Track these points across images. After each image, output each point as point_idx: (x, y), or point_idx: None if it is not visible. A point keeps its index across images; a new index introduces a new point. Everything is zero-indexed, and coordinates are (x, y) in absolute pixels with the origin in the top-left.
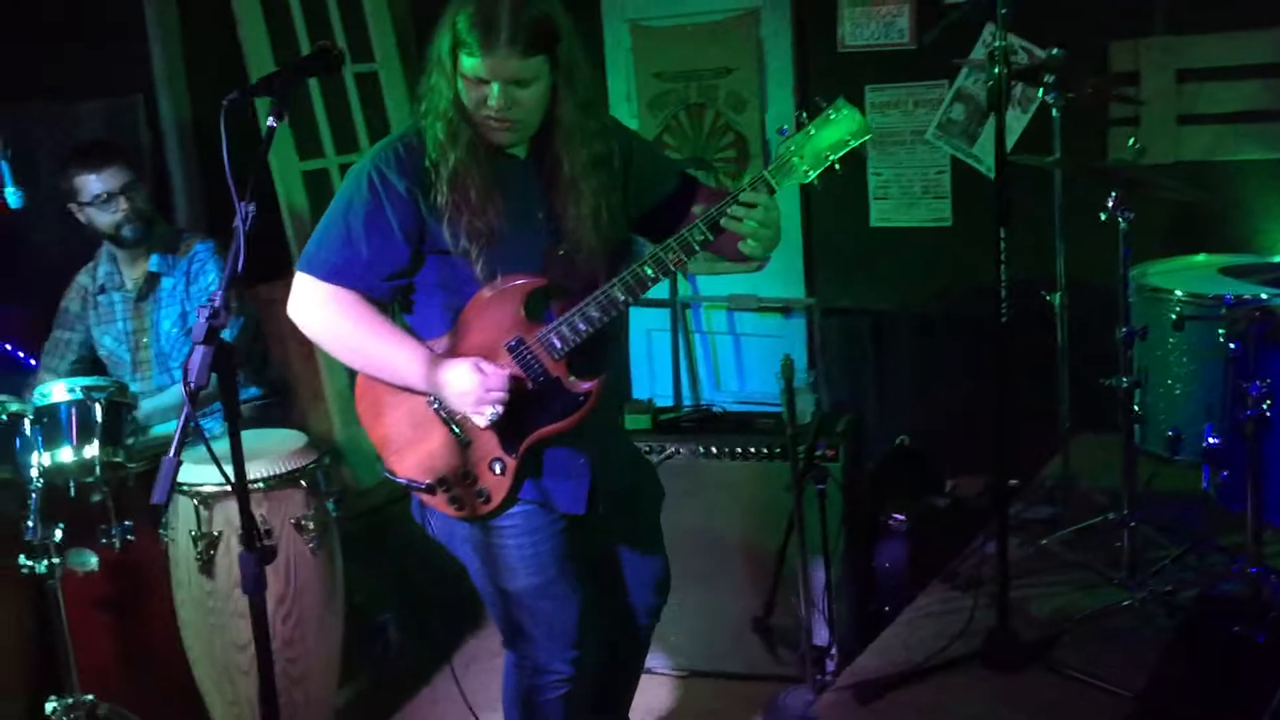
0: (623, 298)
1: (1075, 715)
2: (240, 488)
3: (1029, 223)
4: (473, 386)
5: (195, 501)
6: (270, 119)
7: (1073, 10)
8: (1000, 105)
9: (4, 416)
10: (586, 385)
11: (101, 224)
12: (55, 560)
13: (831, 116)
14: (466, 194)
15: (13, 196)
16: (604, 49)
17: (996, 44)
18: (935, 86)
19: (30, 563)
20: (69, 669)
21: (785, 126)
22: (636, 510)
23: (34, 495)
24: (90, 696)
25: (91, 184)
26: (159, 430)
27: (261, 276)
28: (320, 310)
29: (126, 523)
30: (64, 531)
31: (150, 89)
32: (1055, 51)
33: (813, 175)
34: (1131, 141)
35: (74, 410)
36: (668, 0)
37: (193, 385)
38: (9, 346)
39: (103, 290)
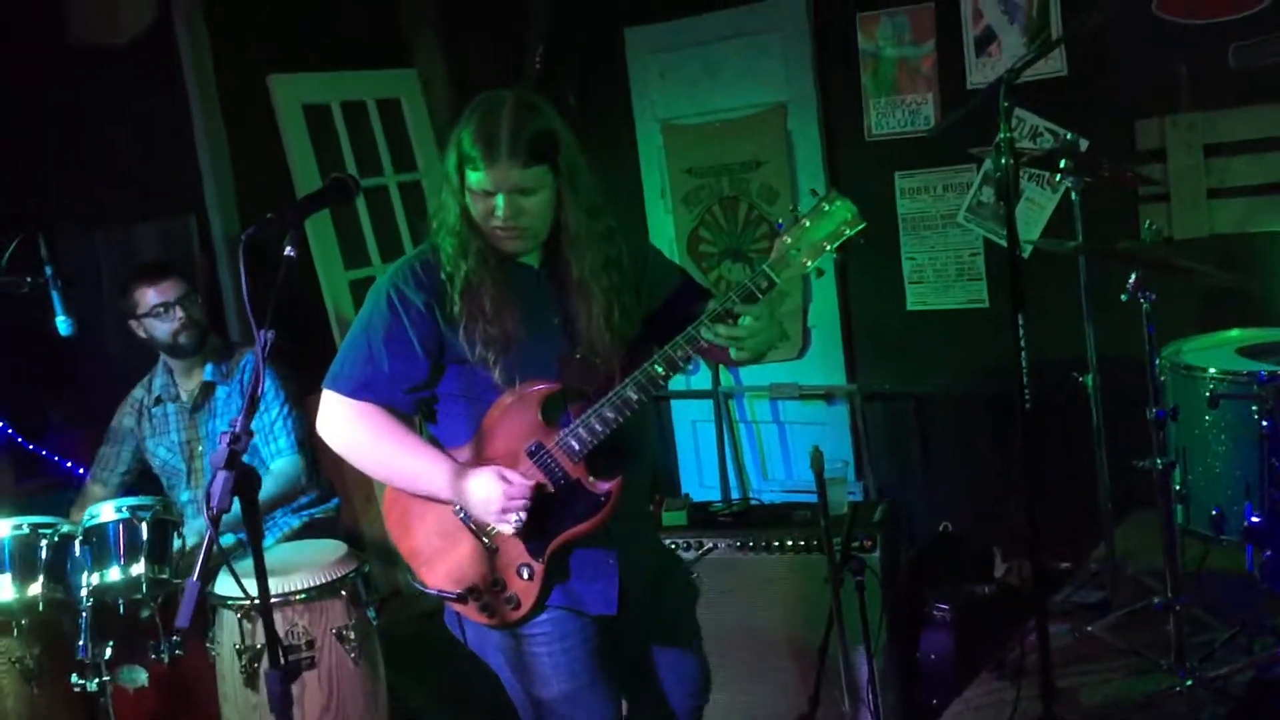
0: (636, 396)
1: None
2: (264, 606)
3: (1062, 304)
4: (496, 495)
5: (239, 615)
6: (288, 249)
7: (1098, 91)
8: (1010, 195)
9: (55, 538)
10: (606, 486)
11: (159, 334)
12: (106, 678)
13: (825, 209)
14: (481, 303)
15: (64, 325)
16: (638, 148)
17: (1002, 135)
18: (964, 170)
19: (82, 681)
20: None
21: (780, 221)
22: (666, 609)
23: (84, 614)
24: None
25: (149, 296)
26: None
27: (312, 387)
28: (346, 425)
29: (175, 638)
30: (114, 648)
31: (202, 208)
32: (1070, 135)
33: (811, 266)
34: (1148, 224)
35: (121, 530)
36: (697, 99)
37: (214, 509)
38: (69, 464)
39: (158, 402)
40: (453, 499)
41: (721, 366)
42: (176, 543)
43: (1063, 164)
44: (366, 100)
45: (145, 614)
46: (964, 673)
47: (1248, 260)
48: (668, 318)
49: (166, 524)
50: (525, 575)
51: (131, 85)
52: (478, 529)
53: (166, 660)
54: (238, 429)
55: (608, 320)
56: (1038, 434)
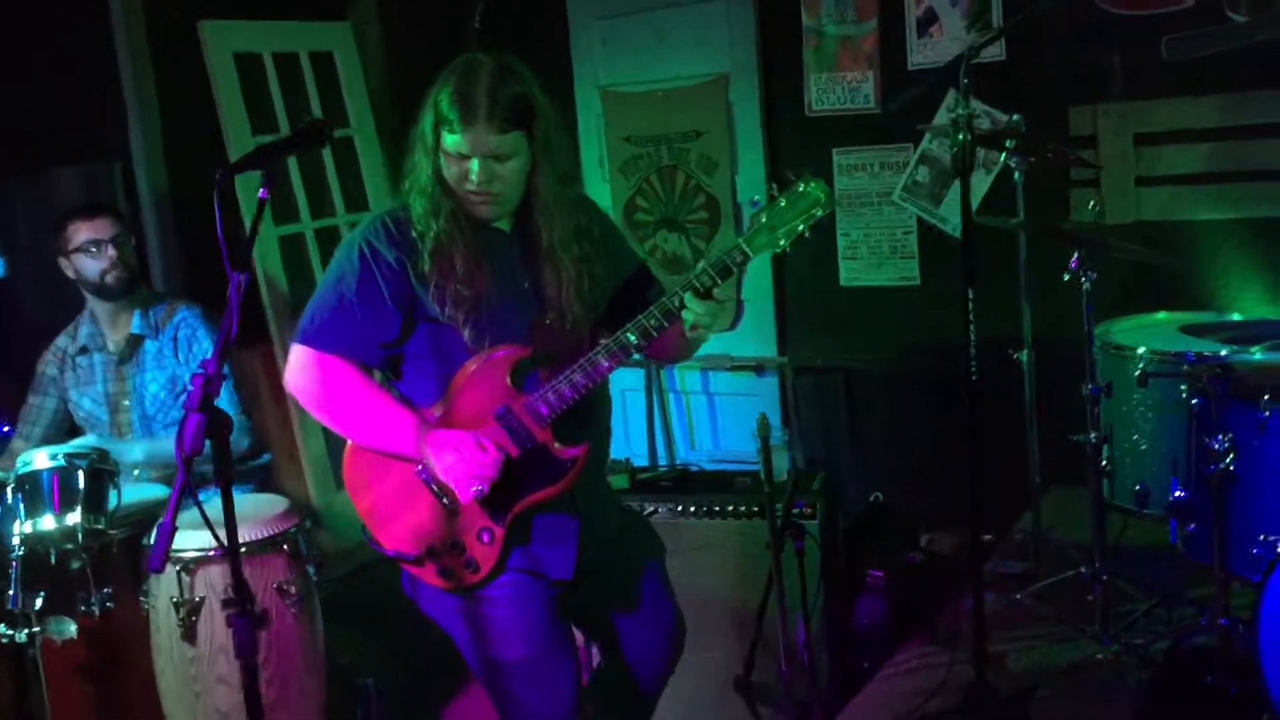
0: (606, 364)
1: None
2: (233, 553)
3: (996, 282)
4: (464, 461)
5: (177, 568)
6: (261, 190)
7: (1033, 77)
8: (965, 170)
9: None
10: (573, 451)
11: (88, 271)
12: (36, 629)
13: (800, 189)
14: (451, 263)
15: None
16: (576, 115)
17: (960, 112)
18: (900, 150)
19: (10, 632)
20: None
21: (757, 198)
22: (632, 566)
23: (15, 564)
24: None
25: (82, 232)
26: (141, 494)
27: (241, 341)
28: (316, 380)
29: (106, 590)
30: (44, 599)
31: (128, 158)
32: (1015, 118)
33: (784, 244)
34: (1091, 204)
35: (56, 478)
36: (638, 67)
37: (187, 451)
38: None
39: (83, 351)
40: (419, 458)
41: None
42: (113, 494)
43: (1009, 143)
44: (299, 51)
45: (75, 565)
46: (896, 638)
47: (1171, 247)
48: (622, 301)
49: (103, 473)
50: (486, 539)
51: (55, 25)
52: (439, 490)
53: (97, 613)
54: (210, 370)
55: (578, 288)
56: (974, 409)
